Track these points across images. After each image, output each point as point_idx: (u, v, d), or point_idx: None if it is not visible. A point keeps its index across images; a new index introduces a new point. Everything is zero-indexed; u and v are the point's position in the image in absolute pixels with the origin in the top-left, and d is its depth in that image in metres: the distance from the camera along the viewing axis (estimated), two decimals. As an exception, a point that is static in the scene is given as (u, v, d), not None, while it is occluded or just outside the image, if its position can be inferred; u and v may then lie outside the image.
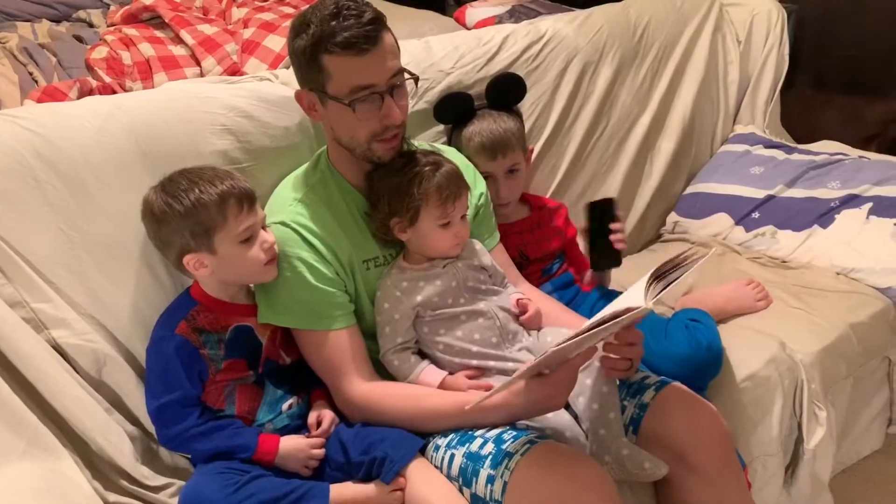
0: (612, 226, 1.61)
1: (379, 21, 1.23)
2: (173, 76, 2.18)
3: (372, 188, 1.35)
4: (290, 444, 1.26)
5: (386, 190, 1.32)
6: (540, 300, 1.46)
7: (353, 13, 1.21)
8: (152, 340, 1.28)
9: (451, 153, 1.48)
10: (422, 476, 1.20)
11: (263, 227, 1.29)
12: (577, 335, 1.07)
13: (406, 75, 1.29)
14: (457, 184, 1.33)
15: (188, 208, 1.22)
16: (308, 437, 1.29)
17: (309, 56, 1.24)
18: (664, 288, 1.11)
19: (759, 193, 2.05)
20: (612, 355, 1.27)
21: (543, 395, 1.19)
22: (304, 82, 1.30)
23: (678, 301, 1.77)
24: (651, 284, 1.11)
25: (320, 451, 1.27)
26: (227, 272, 1.27)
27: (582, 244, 1.68)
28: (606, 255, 1.63)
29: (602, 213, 1.63)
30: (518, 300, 1.40)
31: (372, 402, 1.29)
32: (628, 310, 1.07)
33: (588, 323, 1.10)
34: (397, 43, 1.29)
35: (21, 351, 1.21)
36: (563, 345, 1.07)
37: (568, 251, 1.74)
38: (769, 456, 1.58)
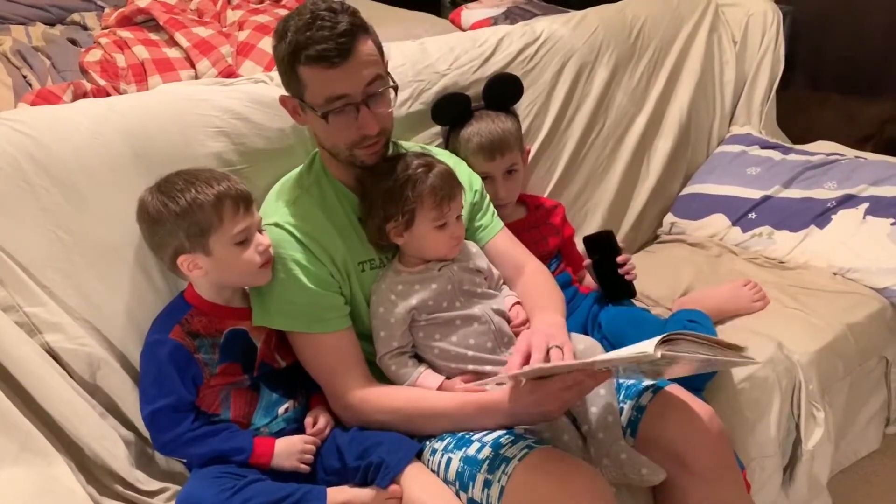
0: (619, 259, 1.59)
1: (353, 32, 1.20)
2: (168, 78, 2.16)
3: (365, 195, 1.34)
4: (284, 442, 1.26)
5: (379, 194, 1.31)
6: (544, 284, 1.44)
7: (326, 24, 1.19)
8: (146, 345, 1.27)
9: (443, 156, 1.47)
10: (418, 481, 1.20)
11: (259, 230, 1.28)
12: (582, 364, 1.06)
13: (390, 81, 1.28)
14: (451, 184, 1.32)
15: (184, 208, 1.21)
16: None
17: (286, 64, 1.24)
18: (678, 352, 1.05)
19: (756, 194, 2.04)
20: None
21: (538, 402, 1.19)
22: (287, 88, 1.30)
23: (675, 302, 1.77)
24: (667, 340, 1.05)
25: (312, 446, 1.27)
26: (221, 274, 1.26)
27: (592, 277, 1.66)
28: (617, 288, 1.61)
29: (602, 246, 1.61)
30: (511, 307, 1.39)
31: (367, 405, 1.29)
32: (636, 357, 1.04)
33: (598, 359, 1.08)
34: (381, 49, 1.27)
35: (14, 355, 1.20)
36: (570, 365, 1.07)
37: (564, 250, 1.74)
38: (767, 457, 1.57)
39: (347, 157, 1.30)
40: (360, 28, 1.22)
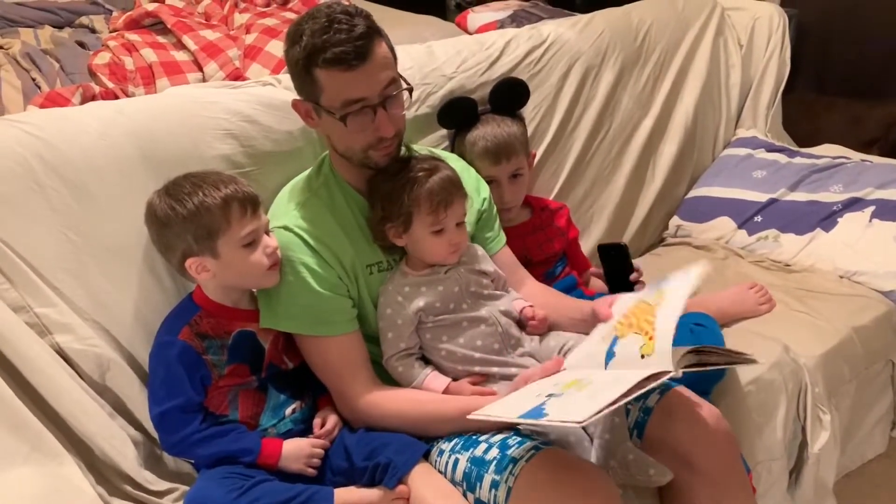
0: (631, 277, 1.59)
1: (370, 35, 1.22)
2: (176, 81, 2.18)
3: (370, 193, 1.35)
4: (292, 445, 1.26)
5: (381, 194, 1.32)
6: (545, 295, 1.47)
7: (343, 27, 1.20)
8: (155, 345, 1.28)
9: (452, 160, 1.48)
10: (425, 481, 1.20)
11: (267, 233, 1.29)
12: (607, 407, 1.01)
13: (403, 84, 1.29)
14: (449, 190, 1.31)
15: (192, 212, 1.22)
16: (310, 437, 1.29)
17: (302, 68, 1.24)
18: (698, 365, 1.09)
19: (762, 197, 2.04)
20: None
21: None
22: (300, 92, 1.30)
23: (681, 305, 1.77)
24: (686, 355, 1.08)
25: (320, 450, 1.27)
26: (229, 276, 1.27)
27: (604, 282, 1.66)
28: None
29: (614, 257, 1.61)
30: (522, 309, 1.40)
31: (374, 407, 1.29)
32: (655, 376, 1.05)
33: (616, 396, 1.02)
34: (394, 51, 1.28)
35: (24, 355, 1.21)
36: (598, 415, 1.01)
37: (569, 252, 1.74)
38: (773, 460, 1.57)
39: (361, 159, 1.31)
40: (375, 31, 1.24)
